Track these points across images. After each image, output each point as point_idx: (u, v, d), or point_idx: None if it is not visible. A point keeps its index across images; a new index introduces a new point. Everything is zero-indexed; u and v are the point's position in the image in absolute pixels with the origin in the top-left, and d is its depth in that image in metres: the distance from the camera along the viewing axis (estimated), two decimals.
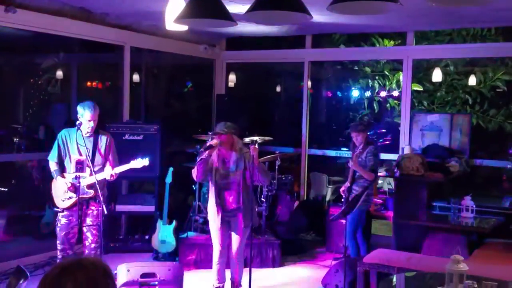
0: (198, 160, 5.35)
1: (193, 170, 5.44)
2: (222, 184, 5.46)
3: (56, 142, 5.49)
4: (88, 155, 5.30)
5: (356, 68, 10.07)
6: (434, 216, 6.42)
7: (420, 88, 9.21)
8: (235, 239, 5.62)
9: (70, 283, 1.76)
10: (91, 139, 5.45)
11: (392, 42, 9.26)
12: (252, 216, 5.55)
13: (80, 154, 5.37)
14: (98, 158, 5.48)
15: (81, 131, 5.39)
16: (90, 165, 5.28)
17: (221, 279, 5.71)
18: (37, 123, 8.28)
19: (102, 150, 5.51)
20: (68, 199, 5.41)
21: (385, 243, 6.79)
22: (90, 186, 5.36)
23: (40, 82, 8.60)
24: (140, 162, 5.54)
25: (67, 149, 5.45)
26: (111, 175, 5.44)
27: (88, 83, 9.43)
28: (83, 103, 5.43)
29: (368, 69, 9.82)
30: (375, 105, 9.89)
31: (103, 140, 5.54)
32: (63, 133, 5.50)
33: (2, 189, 7.84)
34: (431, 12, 6.65)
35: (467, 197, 6.19)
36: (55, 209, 5.49)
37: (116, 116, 7.95)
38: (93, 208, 5.47)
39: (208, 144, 5.31)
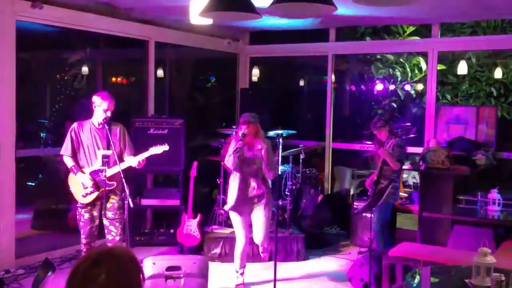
0: (234, 150, 5.48)
1: (226, 161, 5.62)
2: (247, 171, 5.64)
3: (68, 135, 5.45)
4: (111, 147, 5.30)
5: (378, 56, 9.99)
6: (460, 210, 6.34)
7: (443, 67, 9.12)
8: (257, 226, 5.75)
9: (103, 274, 1.77)
10: (104, 130, 5.39)
11: (411, 28, 9.19)
12: (272, 203, 5.83)
13: (96, 147, 5.38)
14: (115, 149, 5.43)
15: (92, 122, 5.41)
16: (115, 157, 5.29)
17: (242, 264, 5.87)
18: (64, 118, 8.37)
19: (116, 140, 5.48)
20: (89, 194, 5.41)
21: (410, 237, 6.75)
22: (111, 178, 5.37)
23: (66, 77, 8.69)
24: (160, 148, 5.53)
25: (80, 141, 5.43)
26: (138, 162, 5.43)
27: (113, 79, 9.49)
28: (100, 93, 5.43)
29: (390, 57, 9.73)
30: (399, 92, 9.82)
31: (115, 131, 5.50)
32: (75, 126, 5.46)
33: (30, 183, 7.94)
34: (457, 3, 6.56)
35: (494, 190, 6.10)
36: (77, 204, 5.51)
37: (141, 110, 8.01)
38: (113, 201, 5.47)
39: (241, 133, 5.48)
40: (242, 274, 5.90)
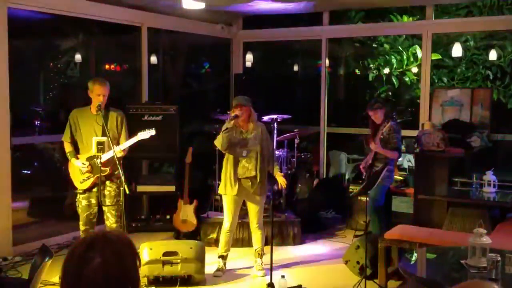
0: (224, 129, 5.57)
1: (216, 142, 5.70)
2: (241, 152, 5.70)
3: (68, 122, 5.46)
4: (106, 134, 5.25)
5: (374, 45, 9.99)
6: (456, 192, 6.37)
7: (438, 57, 9.09)
8: (252, 208, 5.85)
9: (98, 257, 1.76)
10: (102, 116, 5.31)
11: (411, 19, 9.16)
12: (266, 186, 5.83)
13: (94, 133, 5.35)
14: (110, 136, 5.40)
15: (90, 109, 5.38)
16: (110, 143, 5.25)
17: (227, 248, 5.96)
18: (57, 106, 8.35)
19: (114, 127, 5.44)
20: (85, 179, 5.41)
21: (406, 220, 6.76)
22: (105, 165, 5.33)
23: (59, 65, 8.65)
24: (147, 133, 5.43)
25: (78, 128, 5.42)
26: (122, 151, 5.37)
27: (107, 66, 9.46)
28: (93, 79, 5.41)
29: (386, 46, 9.72)
30: (394, 80, 9.80)
31: (113, 117, 5.46)
32: (73, 113, 5.46)
33: (25, 171, 7.93)
34: None
35: (489, 172, 6.12)
36: (75, 191, 5.51)
37: (135, 97, 7.99)
38: (110, 189, 5.46)
39: (233, 114, 5.57)
40: (223, 258, 5.96)
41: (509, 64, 9.28)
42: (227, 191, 5.76)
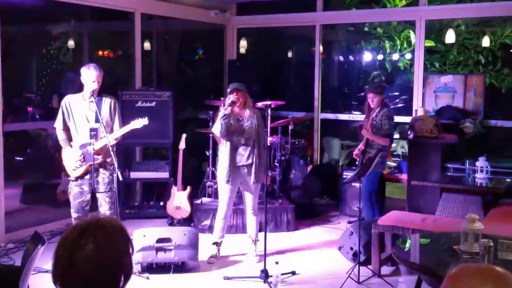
0: (222, 116, 5.53)
1: (214, 129, 5.75)
2: (238, 140, 5.68)
3: (60, 109, 5.41)
4: (100, 120, 5.22)
5: (366, 29, 9.94)
6: (449, 178, 6.39)
7: (432, 44, 9.07)
8: (248, 194, 5.87)
9: (91, 243, 1.76)
10: (94, 102, 5.27)
11: (403, 2, 9.13)
12: (262, 173, 5.79)
13: (86, 120, 5.32)
14: (104, 122, 5.32)
15: (82, 96, 5.34)
16: (103, 129, 5.22)
17: (222, 235, 5.96)
18: (50, 92, 8.29)
19: (107, 114, 5.40)
20: (78, 167, 5.37)
21: (399, 206, 6.79)
22: (99, 152, 5.30)
23: (52, 51, 8.58)
24: (140, 122, 5.41)
25: (71, 115, 5.36)
26: (115, 139, 5.37)
27: (100, 52, 9.40)
28: (86, 65, 5.36)
29: (379, 30, 9.68)
30: (387, 65, 9.78)
31: (106, 103, 5.41)
32: (66, 99, 5.40)
33: (18, 158, 7.90)
34: None
35: (482, 158, 6.14)
36: (68, 178, 5.48)
37: (128, 84, 7.95)
38: (103, 175, 5.42)
39: (230, 100, 5.56)
40: (217, 245, 5.95)
41: (500, 48, 9.27)
42: (223, 178, 5.74)
